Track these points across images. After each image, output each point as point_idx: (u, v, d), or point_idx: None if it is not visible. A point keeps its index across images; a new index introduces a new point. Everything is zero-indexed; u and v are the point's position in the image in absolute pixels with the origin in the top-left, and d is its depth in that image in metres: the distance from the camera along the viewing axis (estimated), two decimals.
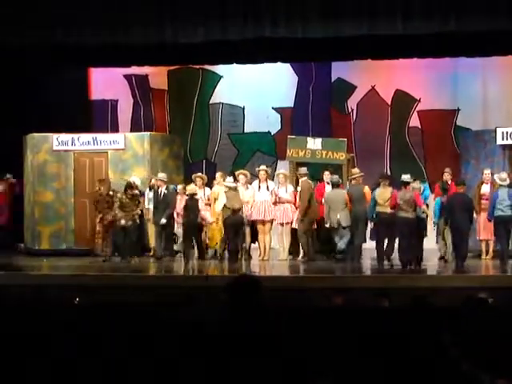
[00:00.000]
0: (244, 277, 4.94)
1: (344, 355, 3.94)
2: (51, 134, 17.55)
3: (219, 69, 20.01)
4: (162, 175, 16.28)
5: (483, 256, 15.76)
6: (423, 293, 9.24)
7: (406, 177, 14.58)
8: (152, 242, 16.56)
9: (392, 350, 4.01)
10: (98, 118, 20.31)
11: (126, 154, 17.38)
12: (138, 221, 15.91)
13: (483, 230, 15.60)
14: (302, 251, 15.87)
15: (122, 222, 15.69)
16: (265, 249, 16.00)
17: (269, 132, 20.07)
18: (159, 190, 16.17)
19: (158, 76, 20.41)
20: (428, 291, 10.88)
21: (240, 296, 4.56)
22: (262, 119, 19.94)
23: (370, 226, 15.58)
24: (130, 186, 15.81)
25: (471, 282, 12.50)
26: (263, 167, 16.59)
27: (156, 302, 7.41)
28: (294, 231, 15.90)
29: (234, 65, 18.86)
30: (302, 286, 12.70)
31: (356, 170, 15.96)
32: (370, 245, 15.59)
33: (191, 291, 10.20)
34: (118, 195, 15.84)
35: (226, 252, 15.94)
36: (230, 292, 4.60)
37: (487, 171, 15.71)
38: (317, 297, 8.92)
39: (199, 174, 16.73)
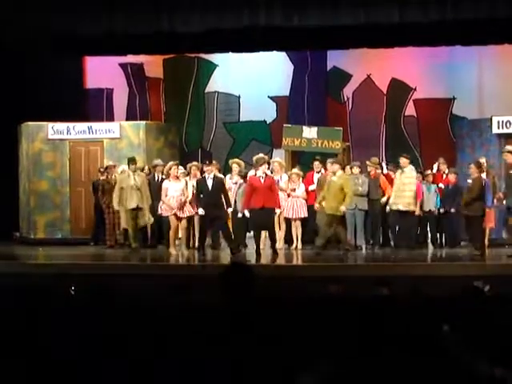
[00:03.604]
0: (236, 265, 4.92)
1: (339, 346, 3.93)
2: (46, 122, 17.49)
3: (215, 57, 19.96)
4: (158, 161, 16.31)
5: None
6: (420, 281, 9.23)
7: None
8: None
9: (388, 343, 4.00)
10: (94, 106, 20.26)
11: (121, 143, 17.36)
12: None
13: None
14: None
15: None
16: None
17: (264, 121, 20.05)
18: (156, 176, 16.16)
19: (153, 65, 20.35)
20: (425, 279, 10.90)
21: (232, 285, 4.55)
22: (257, 108, 19.90)
23: None
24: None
25: (468, 270, 12.49)
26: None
27: (152, 290, 7.39)
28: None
29: (230, 53, 18.80)
30: (296, 275, 12.69)
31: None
32: None
33: (187, 280, 10.18)
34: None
35: None
36: (221, 281, 4.58)
37: (483, 160, 15.72)
38: (311, 285, 8.91)
39: (195, 162, 16.63)
